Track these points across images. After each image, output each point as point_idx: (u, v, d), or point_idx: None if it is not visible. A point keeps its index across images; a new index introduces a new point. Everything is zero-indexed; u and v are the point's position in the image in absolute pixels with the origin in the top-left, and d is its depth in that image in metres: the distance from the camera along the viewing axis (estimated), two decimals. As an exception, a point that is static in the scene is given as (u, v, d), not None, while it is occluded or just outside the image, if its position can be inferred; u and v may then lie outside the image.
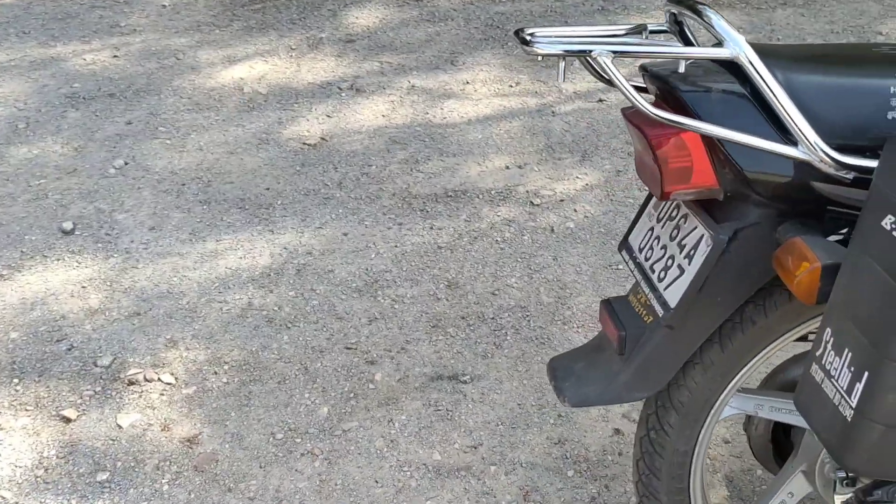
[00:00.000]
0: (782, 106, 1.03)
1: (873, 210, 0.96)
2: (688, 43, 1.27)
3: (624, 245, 1.39)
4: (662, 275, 1.24)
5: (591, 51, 1.06)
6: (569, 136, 3.09)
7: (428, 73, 3.56)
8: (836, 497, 1.38)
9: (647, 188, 1.30)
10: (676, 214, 1.27)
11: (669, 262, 1.24)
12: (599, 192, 2.78)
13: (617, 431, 1.93)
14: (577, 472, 1.84)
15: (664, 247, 1.26)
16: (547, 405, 2.00)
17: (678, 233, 1.24)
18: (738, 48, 1.03)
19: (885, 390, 0.93)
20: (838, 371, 1.00)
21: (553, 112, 3.25)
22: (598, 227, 2.61)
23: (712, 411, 1.33)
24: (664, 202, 1.31)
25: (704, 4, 1.11)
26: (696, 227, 1.21)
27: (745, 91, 1.09)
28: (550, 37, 1.12)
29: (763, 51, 1.06)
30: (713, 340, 1.26)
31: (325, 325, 2.25)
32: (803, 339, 1.30)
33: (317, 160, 2.98)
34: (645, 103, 1.06)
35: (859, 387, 0.96)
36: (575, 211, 2.69)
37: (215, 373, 2.09)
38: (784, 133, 1.07)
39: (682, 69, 1.08)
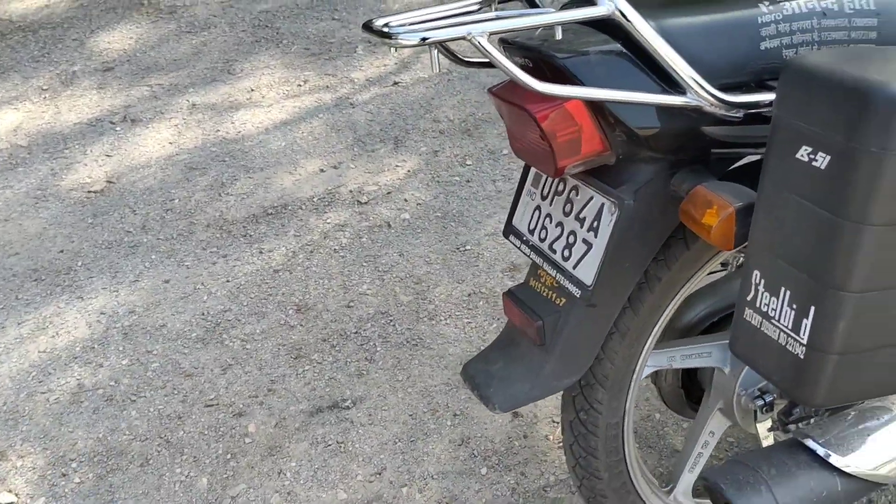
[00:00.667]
0: (665, 56, 0.99)
1: (782, 143, 0.94)
2: (534, 7, 1.20)
3: (510, 230, 1.31)
4: (567, 253, 1.17)
5: (468, 33, 0.95)
6: (375, 126, 2.98)
7: (206, 87, 3.30)
8: (758, 425, 1.41)
9: (514, 161, 1.23)
10: (563, 188, 1.20)
11: (571, 238, 1.17)
12: (424, 177, 2.70)
13: (515, 415, 1.88)
14: (490, 467, 1.77)
15: (560, 224, 1.20)
16: (439, 408, 1.91)
17: (572, 207, 1.18)
18: (613, 3, 0.96)
19: (836, 319, 0.92)
20: (778, 311, 0.98)
21: (352, 104, 3.12)
22: (433, 212, 2.54)
23: (634, 377, 1.30)
24: (545, 177, 1.24)
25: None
26: (591, 198, 1.15)
27: (622, 48, 1.04)
28: (407, 25, 1.01)
29: (634, 2, 1.01)
30: (626, 307, 1.22)
31: (174, 388, 2.00)
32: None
33: (109, 207, 2.66)
34: (531, 80, 0.97)
35: (807, 322, 0.94)
36: (406, 201, 2.60)
37: (63, 475, 1.80)
38: (669, 83, 1.03)
39: (558, 35, 1.00)
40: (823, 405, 1.01)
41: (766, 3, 1.06)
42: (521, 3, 1.20)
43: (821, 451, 1.16)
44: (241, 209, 2.60)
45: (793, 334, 0.96)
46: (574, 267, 1.16)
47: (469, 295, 2.22)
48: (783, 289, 0.97)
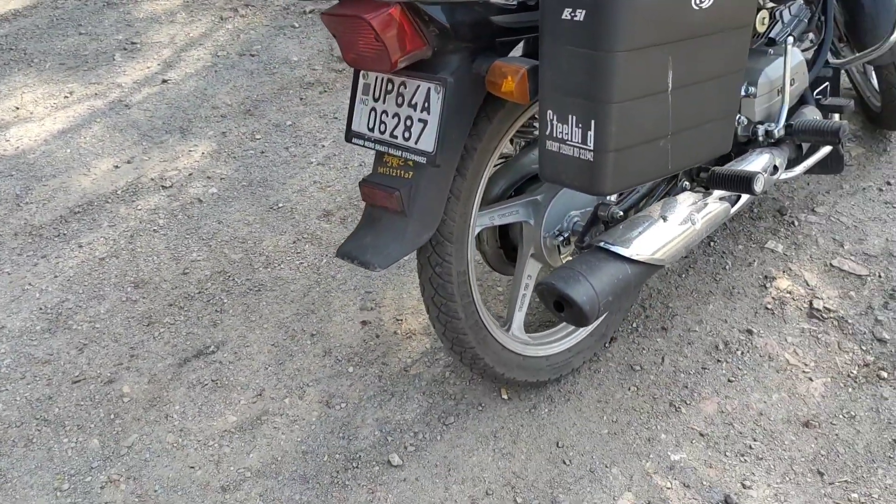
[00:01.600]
0: (457, -38, 1.34)
1: (550, 10, 1.33)
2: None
3: (351, 134, 1.60)
4: (407, 134, 1.49)
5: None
6: (157, 121, 3.10)
7: (-38, 113, 3.19)
8: (561, 258, 1.83)
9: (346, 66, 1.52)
10: (393, 88, 1.52)
11: (408, 122, 1.49)
12: (219, 155, 2.88)
13: (364, 323, 2.17)
14: (355, 365, 2.04)
15: (396, 115, 1.51)
16: (296, 333, 2.15)
17: (403, 98, 1.50)
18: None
19: (609, 124, 1.32)
20: (569, 134, 1.37)
21: (126, 105, 3.20)
22: (238, 183, 2.74)
23: (470, 231, 1.65)
24: (375, 84, 1.55)
25: None
26: (418, 86, 1.48)
27: (423, -40, 1.38)
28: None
29: None
30: (455, 175, 1.56)
31: (35, 375, 2.05)
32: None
33: None
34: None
35: (591, 133, 1.34)
36: (209, 178, 2.77)
37: (-54, 472, 1.81)
38: (461, -16, 1.38)
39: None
40: (612, 192, 1.41)
41: (516, -78, 1.45)
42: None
43: (612, 248, 1.58)
44: (45, 214, 2.63)
45: (582, 146, 1.36)
46: (416, 142, 1.48)
47: (294, 241, 2.46)
48: (570, 115, 1.36)
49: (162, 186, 2.74)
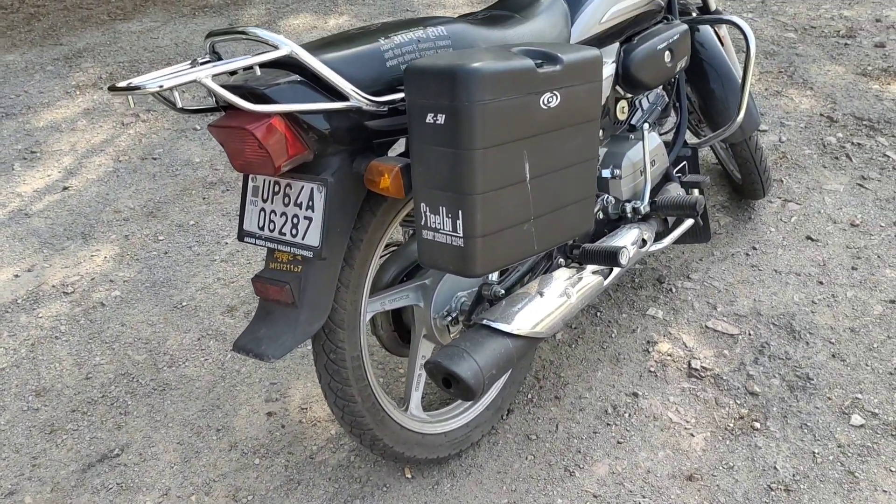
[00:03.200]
0: (332, 78, 1.48)
1: (416, 116, 1.48)
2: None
3: (243, 233, 1.69)
4: (294, 231, 1.60)
5: (197, 78, 1.35)
6: (59, 228, 3.12)
7: None
8: (451, 336, 1.94)
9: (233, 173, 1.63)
10: (279, 189, 1.63)
11: (295, 220, 1.60)
12: (122, 259, 2.91)
13: (270, 414, 2.21)
14: (261, 457, 2.08)
15: (283, 214, 1.62)
16: (202, 429, 2.17)
17: (290, 199, 1.61)
18: (289, 46, 1.43)
19: (474, 213, 1.46)
20: (441, 223, 1.51)
21: (26, 214, 3.21)
22: (141, 285, 2.77)
23: (361, 318, 1.75)
24: (263, 186, 1.66)
25: (245, 27, 1.48)
26: (303, 186, 1.59)
27: (300, 77, 1.51)
28: (146, 80, 1.38)
29: (305, 46, 1.49)
30: (344, 265, 1.67)
31: (-70, 494, 2.01)
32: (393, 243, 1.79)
33: None
34: (247, 103, 1.40)
35: (459, 222, 1.47)
36: (112, 282, 2.79)
37: None
38: (337, 96, 1.52)
39: (258, 73, 1.45)
40: (483, 274, 1.54)
41: (383, 38, 1.61)
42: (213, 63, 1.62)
43: (494, 324, 1.71)
44: (-59, 327, 2.60)
45: (453, 234, 1.49)
46: (303, 238, 1.59)
47: (199, 339, 2.51)
48: (440, 207, 1.50)
49: (63, 293, 2.75)
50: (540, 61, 1.54)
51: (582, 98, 1.62)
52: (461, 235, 1.48)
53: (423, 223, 1.54)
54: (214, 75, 1.37)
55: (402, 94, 1.57)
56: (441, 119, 1.44)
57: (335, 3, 5.43)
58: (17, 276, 2.85)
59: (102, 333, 2.55)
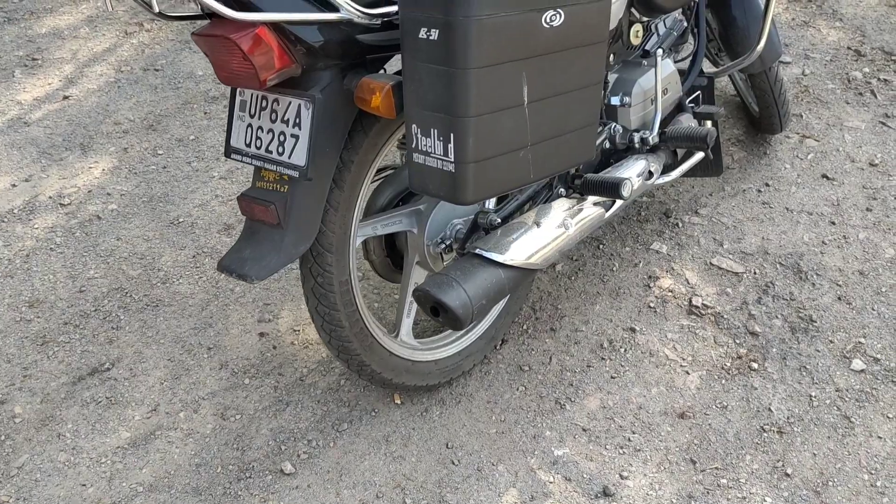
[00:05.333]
0: (319, -16, 1.39)
1: (408, 30, 1.39)
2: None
3: (230, 150, 1.63)
4: (281, 149, 1.54)
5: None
6: (57, 138, 3.06)
7: None
8: (444, 264, 1.89)
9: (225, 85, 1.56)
10: (267, 104, 1.56)
11: (282, 137, 1.54)
12: (121, 172, 2.86)
13: (262, 335, 2.19)
14: (251, 377, 2.07)
15: (270, 130, 1.55)
16: (192, 347, 2.16)
17: (276, 115, 1.54)
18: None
19: (467, 137, 1.38)
20: (432, 146, 1.44)
21: (25, 123, 3.16)
22: (139, 199, 2.73)
23: (351, 242, 1.70)
24: (251, 101, 1.59)
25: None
26: (290, 103, 1.52)
27: (287, -15, 1.42)
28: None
29: None
30: (333, 186, 1.61)
31: (-79, 400, 2.02)
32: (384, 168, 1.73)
33: None
34: (229, 11, 1.32)
35: (451, 146, 1.40)
36: (109, 195, 2.75)
37: None
38: (327, 7, 1.43)
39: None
40: (474, 201, 1.48)
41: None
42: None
43: (486, 254, 1.65)
44: (-64, 235, 2.58)
45: (444, 158, 1.43)
46: (289, 157, 1.52)
47: (194, 256, 2.47)
48: (432, 129, 1.43)
49: (60, 204, 2.71)
50: (544, -25, 1.44)
51: (589, 17, 1.52)
52: (452, 160, 1.41)
53: (413, 146, 1.47)
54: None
55: (394, 7, 1.48)
56: (434, 34, 1.35)
57: None
58: (14, 185, 2.81)
59: (97, 247, 2.52)
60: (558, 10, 1.45)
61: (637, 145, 2.09)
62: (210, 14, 1.47)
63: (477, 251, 1.66)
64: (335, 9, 1.43)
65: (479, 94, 1.37)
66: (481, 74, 1.36)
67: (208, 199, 2.71)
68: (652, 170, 2.09)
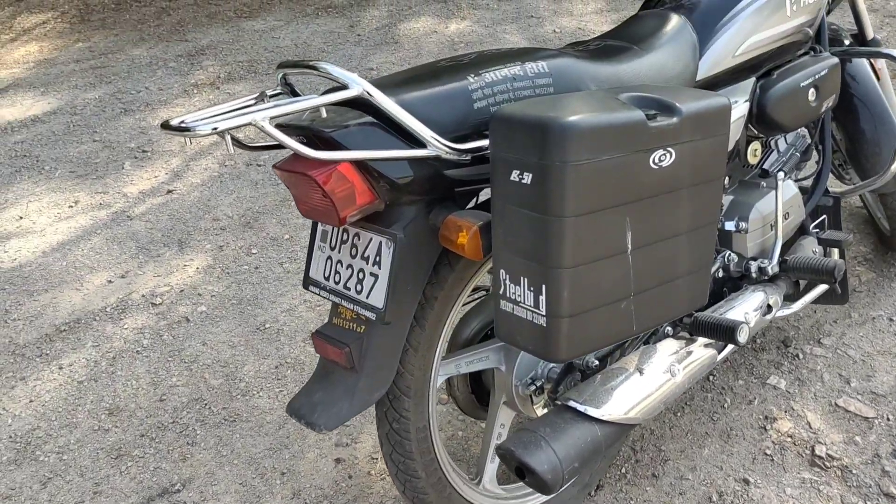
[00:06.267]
0: (408, 122, 1.29)
1: (499, 172, 1.27)
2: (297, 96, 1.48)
3: (309, 281, 1.54)
4: (359, 287, 1.43)
5: (253, 120, 1.20)
6: (156, 233, 3.10)
7: (-32, 222, 3.23)
8: (535, 408, 1.73)
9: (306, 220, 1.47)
10: (347, 238, 1.47)
11: (360, 275, 1.43)
12: (213, 271, 2.85)
13: (338, 461, 2.07)
14: (324, 510, 1.94)
15: (349, 266, 1.45)
16: (266, 471, 2.05)
17: (357, 250, 1.44)
18: (360, 86, 1.26)
19: (560, 290, 1.24)
20: (522, 296, 1.30)
21: (129, 216, 3.22)
22: (228, 301, 2.70)
23: (431, 384, 1.56)
24: (332, 232, 1.50)
25: (316, 60, 1.32)
26: (371, 239, 1.42)
27: (373, 119, 1.34)
28: (199, 119, 1.24)
29: (377, 83, 1.32)
30: (413, 325, 1.49)
31: (-7, 512, 1.98)
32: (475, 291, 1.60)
33: None
34: (308, 150, 1.23)
35: (542, 298, 1.26)
36: (199, 295, 2.73)
37: None
38: (413, 141, 1.34)
39: (324, 115, 1.28)
40: (567, 359, 1.32)
41: (472, 76, 1.41)
42: (286, 95, 1.47)
43: (580, 407, 1.48)
44: (31, 332, 2.60)
45: (535, 310, 1.28)
46: (367, 297, 1.41)
47: (276, 367, 2.39)
48: (522, 278, 1.29)
49: (151, 304, 2.70)
50: (653, 112, 1.30)
51: (703, 155, 1.36)
52: (544, 314, 1.27)
53: (501, 292, 1.34)
54: (273, 117, 1.21)
55: (486, 141, 1.37)
56: (527, 178, 1.23)
57: (458, 7, 5.27)
58: (110, 281, 2.83)
59: (182, 352, 2.48)
60: (668, 149, 1.30)
61: (754, 275, 1.89)
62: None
63: (570, 403, 1.49)
64: (422, 144, 1.33)
65: (575, 243, 1.23)
66: (579, 223, 1.22)
67: (296, 304, 2.65)
68: (771, 303, 1.88)
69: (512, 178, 1.25)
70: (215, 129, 1.20)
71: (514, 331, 1.33)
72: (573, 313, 1.27)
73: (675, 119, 1.30)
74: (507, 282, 1.32)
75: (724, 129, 1.40)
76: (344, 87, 1.27)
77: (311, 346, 2.46)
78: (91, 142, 3.83)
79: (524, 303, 1.30)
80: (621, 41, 1.73)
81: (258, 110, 1.21)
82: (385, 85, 1.33)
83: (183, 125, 1.21)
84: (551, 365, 1.71)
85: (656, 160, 1.29)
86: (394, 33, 4.95)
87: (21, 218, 3.24)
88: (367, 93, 1.26)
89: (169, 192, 3.37)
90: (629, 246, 1.30)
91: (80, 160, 3.67)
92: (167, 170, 3.55)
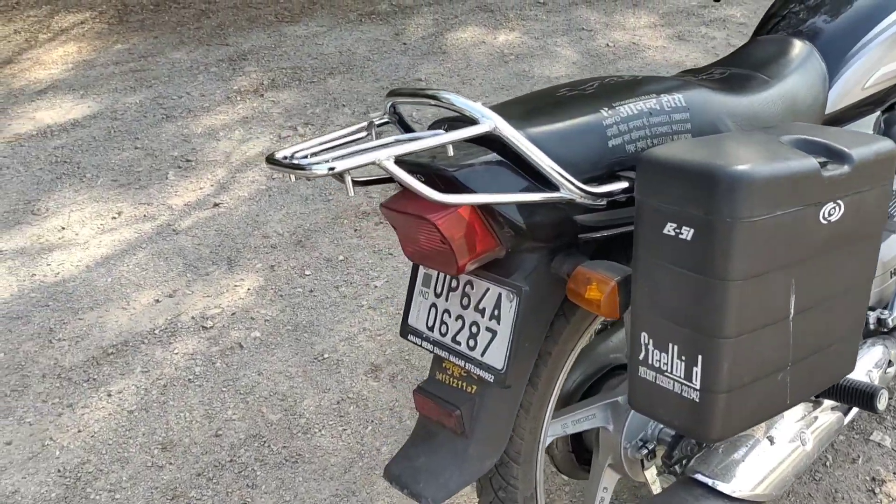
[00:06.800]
0: (541, 161, 1.14)
1: (649, 223, 1.12)
2: (407, 128, 1.33)
3: (408, 329, 1.39)
4: (472, 343, 1.28)
5: (377, 159, 1.05)
6: (204, 249, 2.96)
7: (10, 231, 3.11)
8: (645, 473, 1.57)
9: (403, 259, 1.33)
10: (458, 284, 1.32)
11: (474, 328, 1.28)
12: (266, 293, 2.71)
13: (410, 511, 1.92)
14: (398, 568, 1.79)
15: (460, 317, 1.30)
16: (333, 519, 1.91)
17: (469, 301, 1.29)
18: (492, 121, 1.11)
19: (721, 363, 1.09)
20: (669, 364, 1.14)
21: (174, 230, 3.08)
22: (283, 327, 2.55)
23: (540, 448, 1.41)
24: (437, 277, 1.35)
25: (437, 90, 1.17)
26: (487, 289, 1.27)
27: (499, 157, 1.19)
28: (309, 154, 1.10)
29: (505, 109, 1.17)
30: (526, 384, 1.34)
31: (41, 556, 1.84)
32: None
33: (-82, 373, 2.42)
34: (434, 192, 1.09)
35: (697, 370, 1.11)
36: (253, 319, 2.59)
37: None
38: (543, 182, 1.18)
39: (451, 153, 1.13)
40: (720, 439, 1.17)
41: (606, 109, 1.26)
42: (395, 127, 1.33)
43: (710, 482, 1.33)
44: (77, 353, 2.47)
45: (686, 382, 1.13)
46: (482, 354, 1.26)
47: (338, 402, 2.25)
48: (671, 344, 1.13)
49: (203, 327, 2.56)
50: (823, 159, 1.14)
51: (867, 206, 1.21)
52: (697, 387, 1.11)
53: (641, 357, 1.18)
54: (398, 156, 1.07)
55: (624, 184, 1.22)
56: (687, 234, 1.07)
57: (506, 18, 5.12)
58: (157, 300, 2.70)
59: (237, 381, 2.34)
60: (838, 201, 1.14)
61: (872, 327, 1.73)
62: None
63: (698, 477, 1.33)
64: (553, 186, 1.18)
65: (740, 310, 1.07)
66: (746, 286, 1.07)
67: (356, 333, 2.50)
68: (892, 357, 1.72)
69: (666, 231, 1.10)
70: (332, 169, 1.05)
71: (654, 402, 1.18)
72: (731, 388, 1.11)
73: (846, 167, 1.14)
74: (650, 347, 1.16)
75: (890, 176, 1.24)
76: (471, 121, 1.12)
77: (374, 381, 2.31)
78: (133, 149, 3.70)
79: (671, 373, 1.14)
80: (744, 68, 1.58)
81: (380, 149, 1.06)
82: (507, 116, 1.18)
83: (293, 162, 1.06)
84: (662, 426, 1.56)
85: (826, 214, 1.13)
86: (440, 43, 4.81)
87: (63, 229, 3.11)
88: (499, 130, 1.11)
89: (215, 205, 3.23)
90: (791, 311, 1.15)
91: (122, 168, 3.54)
92: (212, 181, 3.41)
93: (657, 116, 1.29)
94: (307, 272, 2.80)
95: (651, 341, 1.16)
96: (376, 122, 1.28)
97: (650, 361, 1.17)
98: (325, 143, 1.19)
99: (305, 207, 3.19)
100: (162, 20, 5.45)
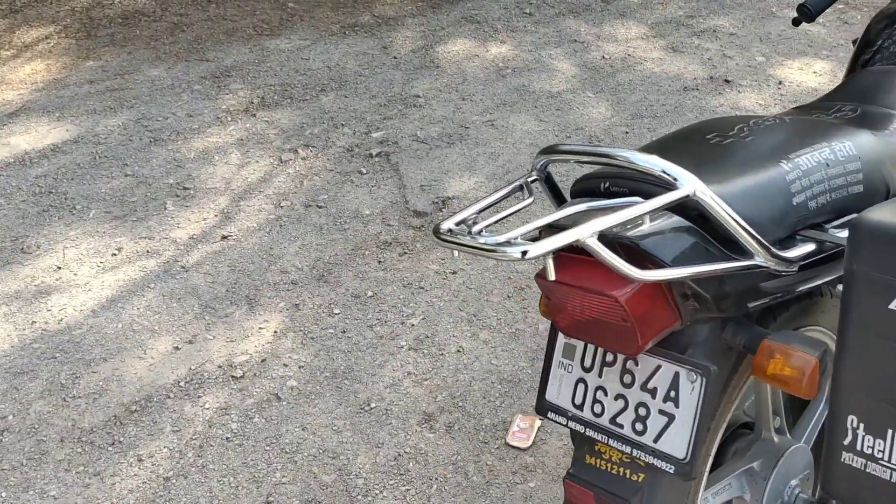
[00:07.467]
0: (737, 228, 1.01)
1: (868, 296, 0.99)
2: (554, 189, 1.19)
3: (547, 405, 1.24)
4: (639, 427, 1.13)
5: (580, 239, 0.90)
6: (219, 288, 2.75)
7: (0, 273, 2.85)
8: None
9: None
10: (614, 360, 1.17)
11: (642, 411, 1.14)
12: (294, 336, 2.52)
13: (496, 582, 1.77)
14: None
15: (620, 397, 1.16)
16: None
17: (633, 379, 1.15)
18: (692, 185, 0.97)
19: (956, 454, 0.97)
20: (886, 451, 1.02)
21: (183, 267, 2.86)
22: (320, 373, 2.37)
23: (692, 530, 1.28)
24: (584, 348, 1.20)
25: (611, 146, 1.03)
26: (659, 367, 1.13)
27: (686, 222, 1.05)
28: (486, 230, 0.95)
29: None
30: (687, 465, 1.20)
31: None
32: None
33: (-85, 440, 2.16)
34: (633, 269, 0.94)
35: (925, 460, 0.99)
36: (286, 366, 2.40)
37: None
38: (731, 247, 1.05)
39: (647, 223, 0.99)
40: (944, 533, 1.05)
41: (785, 162, 1.13)
42: (540, 184, 1.18)
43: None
44: (96, 413, 2.24)
45: (909, 473, 1.00)
46: (655, 441, 1.12)
47: (395, 458, 2.08)
48: (889, 430, 1.01)
49: (231, 376, 2.36)
50: None
51: None
52: (926, 479, 0.99)
53: (846, 442, 1.05)
54: (600, 233, 0.92)
55: (813, 247, 1.09)
56: (922, 310, 0.95)
57: (494, 29, 4.99)
58: (177, 347, 2.48)
59: (280, 438, 2.15)
60: None
61: None
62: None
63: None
64: (746, 252, 1.04)
65: (983, 395, 0.95)
66: None
67: (400, 378, 2.33)
68: None
69: (891, 306, 0.97)
70: (525, 252, 0.90)
71: (864, 494, 1.05)
72: (964, 479, 0.99)
73: None
74: (860, 432, 1.03)
75: None
76: (668, 186, 0.98)
77: (430, 432, 2.15)
78: (123, 176, 3.46)
79: (888, 460, 1.02)
80: (869, 103, 1.47)
81: (581, 226, 0.91)
82: (690, 163, 1.03)
83: (480, 245, 0.91)
84: (798, 489, 1.44)
85: None
86: (432, 56, 4.66)
87: (59, 268, 2.86)
88: (699, 196, 0.97)
89: (224, 237, 3.02)
90: None
91: (114, 198, 3.29)
92: (216, 210, 3.20)
93: (833, 168, 1.17)
94: (335, 311, 2.62)
95: (862, 426, 1.03)
96: (528, 180, 1.13)
97: (858, 447, 1.04)
98: (486, 208, 1.04)
99: (321, 238, 3.00)
100: (133, 34, 5.17)
